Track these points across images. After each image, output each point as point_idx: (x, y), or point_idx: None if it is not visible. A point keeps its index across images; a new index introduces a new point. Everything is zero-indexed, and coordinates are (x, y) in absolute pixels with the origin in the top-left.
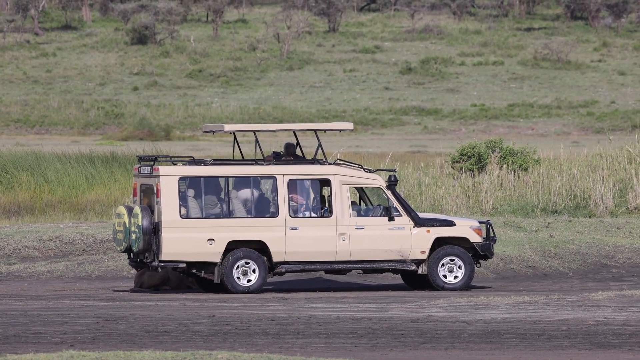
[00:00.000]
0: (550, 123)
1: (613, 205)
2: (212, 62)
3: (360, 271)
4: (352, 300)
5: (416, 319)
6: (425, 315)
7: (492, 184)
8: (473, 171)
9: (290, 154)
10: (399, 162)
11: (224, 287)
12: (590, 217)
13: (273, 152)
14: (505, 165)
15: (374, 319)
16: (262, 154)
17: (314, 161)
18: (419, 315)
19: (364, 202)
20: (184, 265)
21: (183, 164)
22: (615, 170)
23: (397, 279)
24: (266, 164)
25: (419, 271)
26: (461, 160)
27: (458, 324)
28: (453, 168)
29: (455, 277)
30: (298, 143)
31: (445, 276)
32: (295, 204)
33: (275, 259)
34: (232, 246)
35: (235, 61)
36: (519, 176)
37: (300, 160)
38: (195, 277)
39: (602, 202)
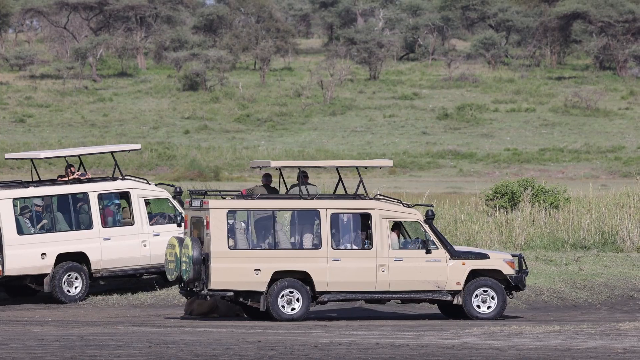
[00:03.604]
0: (580, 167)
1: None
2: (259, 108)
3: (399, 301)
4: (390, 328)
5: (452, 346)
6: (461, 343)
7: (525, 221)
8: (506, 208)
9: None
10: (436, 200)
11: (270, 314)
12: (617, 252)
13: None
14: (537, 203)
15: (412, 346)
16: (300, 189)
17: (356, 196)
18: (455, 343)
19: (403, 235)
20: (232, 293)
21: (231, 198)
22: None
23: (434, 309)
24: (310, 198)
25: (455, 301)
26: (495, 198)
27: (492, 351)
28: (487, 205)
29: (489, 307)
30: (307, 176)
31: (478, 306)
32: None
33: (318, 288)
34: (278, 276)
35: (281, 106)
36: (550, 213)
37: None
38: (243, 305)
39: (629, 238)
